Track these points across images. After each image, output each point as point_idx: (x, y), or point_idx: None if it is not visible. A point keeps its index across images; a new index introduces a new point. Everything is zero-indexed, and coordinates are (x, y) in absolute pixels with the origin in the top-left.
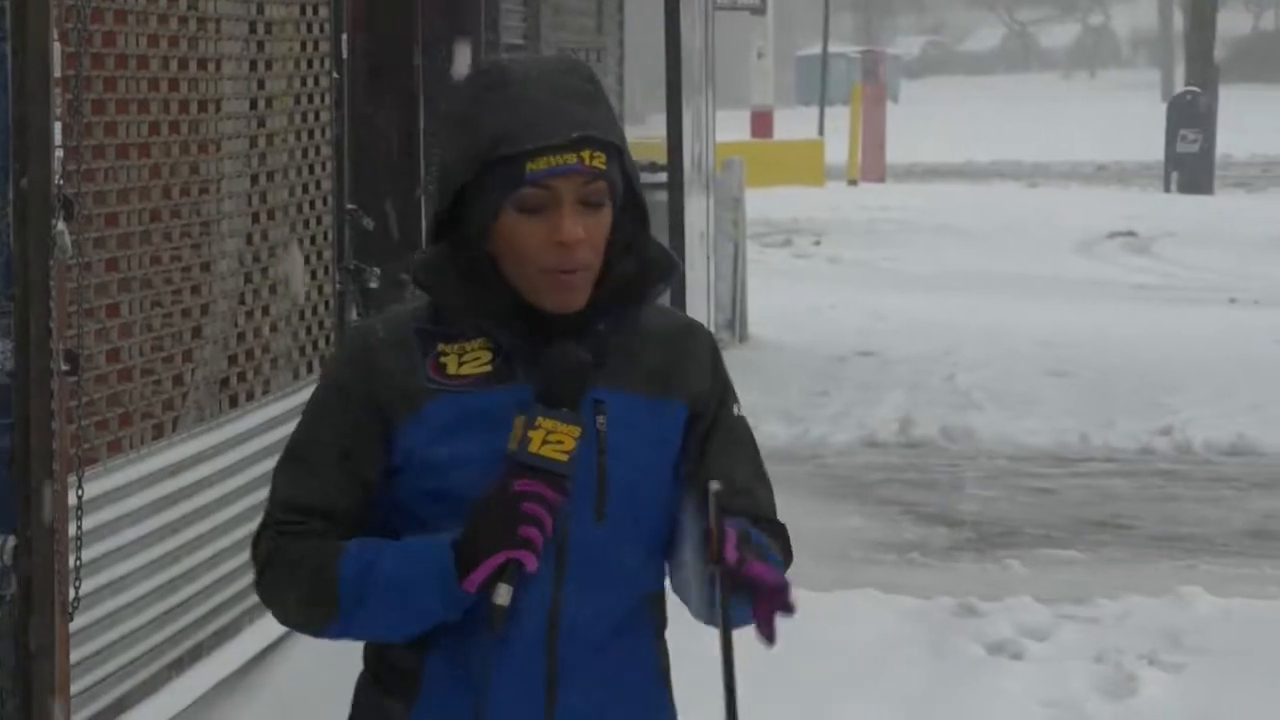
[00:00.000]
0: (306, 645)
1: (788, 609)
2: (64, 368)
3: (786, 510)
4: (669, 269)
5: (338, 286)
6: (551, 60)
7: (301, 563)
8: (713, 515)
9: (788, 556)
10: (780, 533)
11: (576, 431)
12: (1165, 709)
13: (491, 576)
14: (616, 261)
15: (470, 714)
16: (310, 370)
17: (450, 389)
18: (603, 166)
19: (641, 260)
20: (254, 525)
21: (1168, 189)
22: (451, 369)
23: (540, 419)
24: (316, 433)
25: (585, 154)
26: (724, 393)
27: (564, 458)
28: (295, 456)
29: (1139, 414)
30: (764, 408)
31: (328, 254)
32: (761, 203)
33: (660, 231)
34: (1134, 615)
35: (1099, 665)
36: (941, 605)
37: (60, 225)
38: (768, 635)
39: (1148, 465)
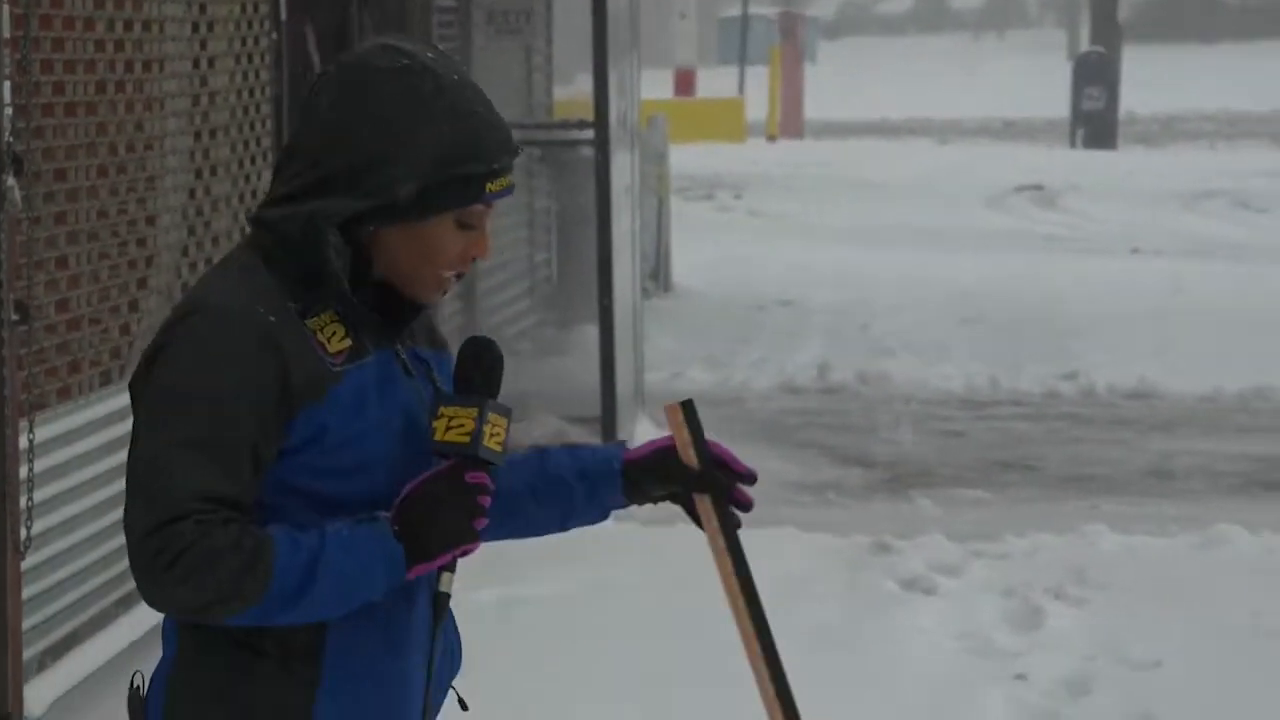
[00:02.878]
0: None
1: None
2: (14, 317)
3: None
4: None
5: None
6: (451, 59)
7: (227, 551)
8: (691, 438)
9: None
10: None
11: (508, 421)
12: (1070, 640)
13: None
14: None
15: (384, 682)
16: None
17: (343, 367)
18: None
19: None
20: None
21: (1073, 145)
22: (330, 346)
23: (491, 414)
24: (225, 423)
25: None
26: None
27: (501, 449)
28: (201, 444)
29: (1045, 359)
30: (688, 355)
31: None
32: (684, 158)
33: (587, 186)
34: (1040, 552)
35: (1007, 599)
36: (857, 543)
37: (10, 180)
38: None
39: (1053, 409)
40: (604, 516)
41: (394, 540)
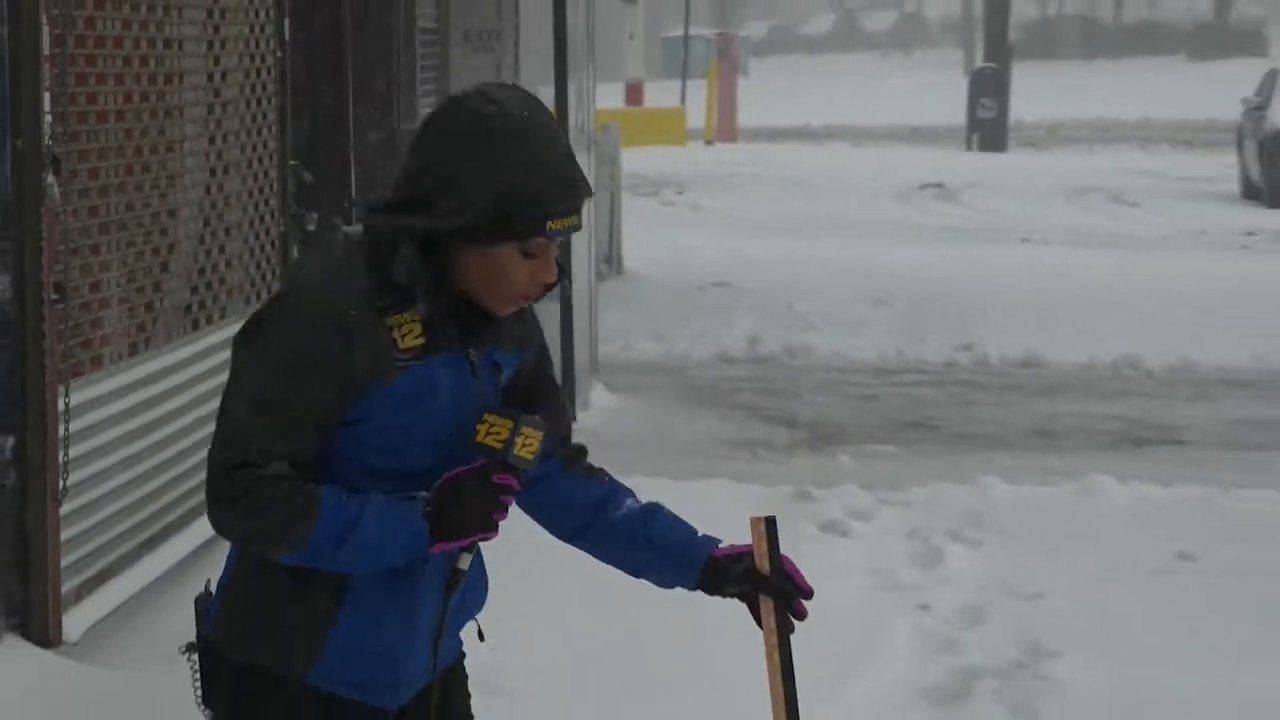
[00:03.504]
0: None
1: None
2: (54, 297)
3: (658, 415)
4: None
5: (282, 229)
6: (540, 107)
7: (281, 502)
8: (768, 550)
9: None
10: (587, 454)
11: (541, 435)
12: (966, 576)
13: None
14: None
15: (396, 614)
16: (259, 298)
17: (408, 362)
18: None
19: None
20: (214, 425)
21: (969, 148)
22: (402, 343)
23: (525, 428)
24: (294, 393)
25: (582, 214)
26: (543, 339)
27: (532, 458)
28: (272, 409)
29: (945, 333)
30: (636, 329)
31: (274, 202)
32: (634, 160)
33: None
34: (941, 500)
35: (912, 541)
36: (783, 492)
37: (50, 178)
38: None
39: (952, 376)
40: (670, 588)
41: (423, 520)
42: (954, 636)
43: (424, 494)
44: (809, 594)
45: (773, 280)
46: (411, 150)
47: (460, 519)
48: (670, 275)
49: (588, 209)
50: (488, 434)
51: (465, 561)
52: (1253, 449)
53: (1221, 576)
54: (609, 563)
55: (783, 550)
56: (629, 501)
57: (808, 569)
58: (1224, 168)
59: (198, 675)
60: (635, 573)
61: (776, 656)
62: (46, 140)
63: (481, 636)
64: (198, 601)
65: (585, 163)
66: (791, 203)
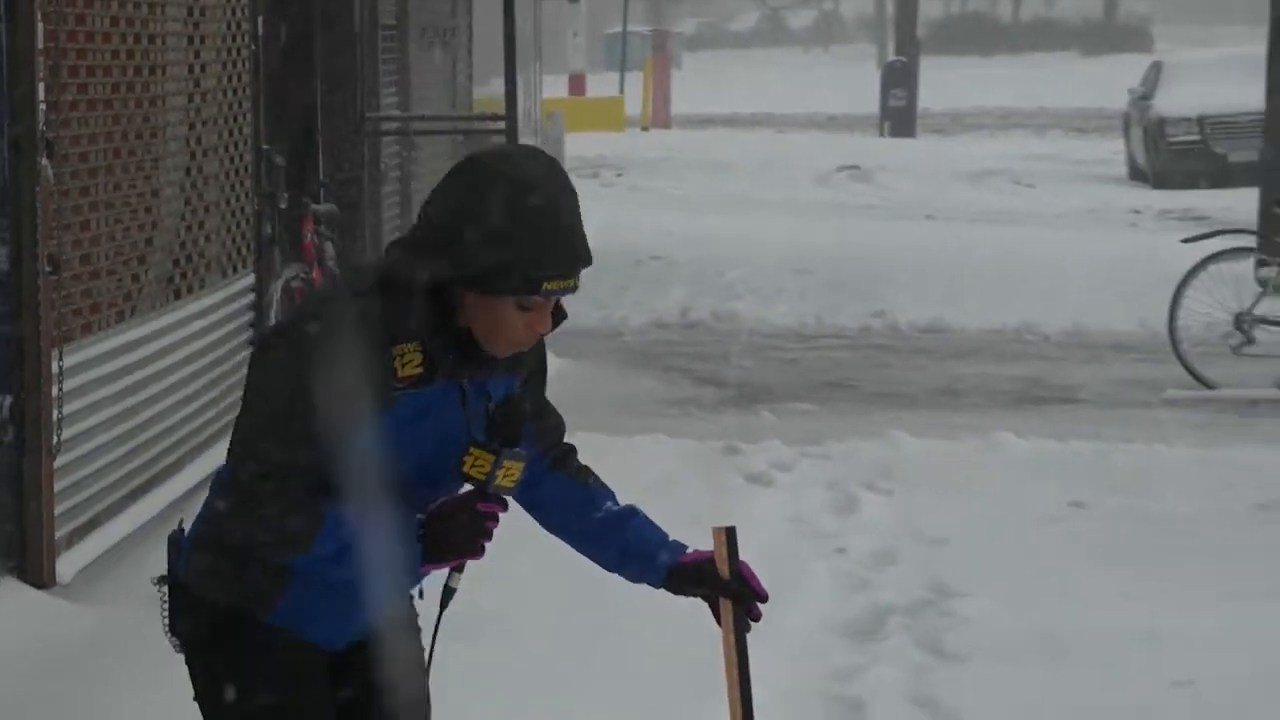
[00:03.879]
0: None
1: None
2: (47, 269)
3: (598, 376)
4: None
5: (256, 207)
6: (556, 175)
7: (291, 514)
8: (728, 556)
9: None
10: (576, 454)
11: (521, 466)
12: (878, 522)
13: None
14: None
15: (343, 593)
16: (235, 270)
17: (405, 390)
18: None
19: None
20: (194, 385)
21: (882, 134)
22: (401, 371)
23: (506, 461)
24: (304, 414)
25: (578, 278)
26: (544, 359)
27: (513, 485)
28: (283, 427)
29: (860, 302)
30: (579, 297)
31: (248, 183)
32: (576, 144)
33: None
34: (856, 453)
35: (829, 490)
36: (712, 446)
37: (44, 161)
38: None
39: (866, 340)
40: (637, 584)
41: (418, 543)
42: (867, 577)
43: (419, 516)
44: (764, 598)
45: (703, 253)
46: (435, 196)
47: (449, 545)
48: (609, 249)
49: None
50: (473, 465)
51: (456, 580)
52: (1139, 406)
53: (1109, 523)
54: (585, 555)
55: (710, 499)
56: (608, 504)
57: (735, 516)
58: (1112, 153)
59: (166, 606)
60: (608, 568)
61: (734, 655)
62: (41, 127)
63: (420, 594)
64: (171, 539)
65: (533, 144)
66: (720, 184)
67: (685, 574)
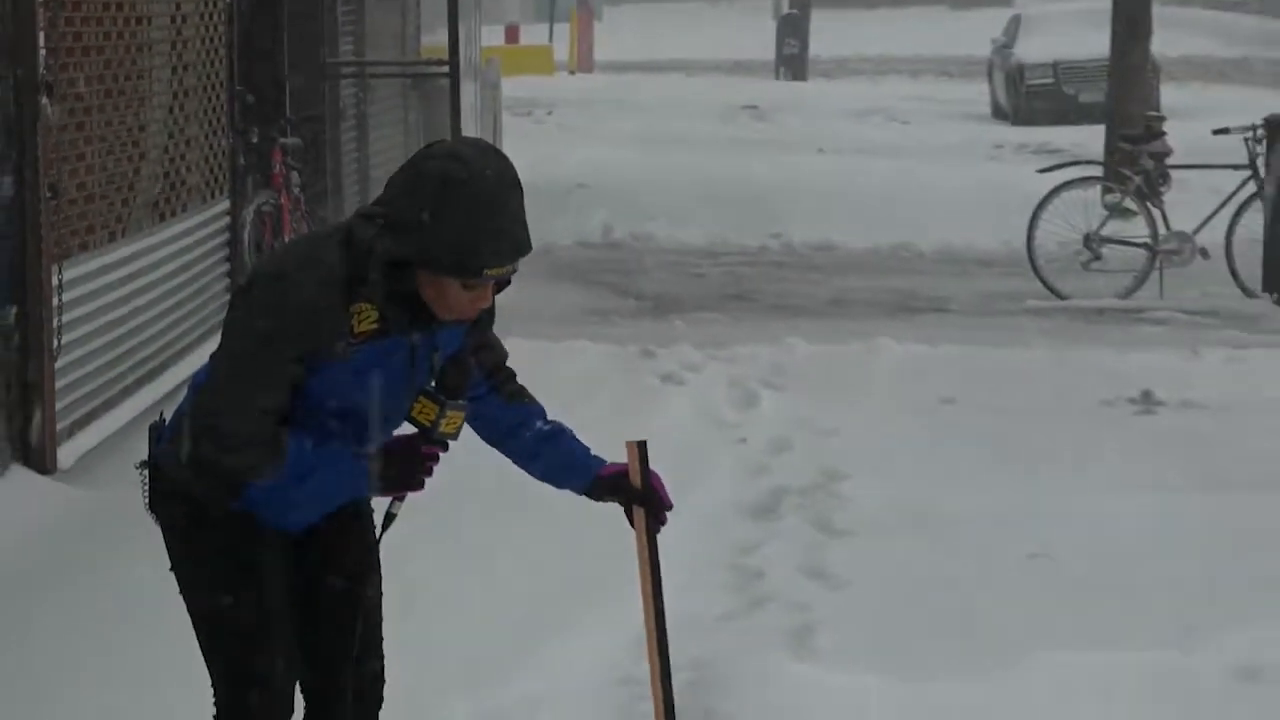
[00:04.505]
0: None
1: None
2: (48, 194)
3: (531, 289)
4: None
5: (230, 141)
6: (503, 169)
7: (259, 446)
8: (640, 468)
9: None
10: (515, 378)
11: (463, 416)
12: (775, 416)
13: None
14: None
15: (298, 507)
16: (213, 196)
17: (360, 345)
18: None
19: None
20: (177, 296)
21: (778, 78)
22: (358, 327)
23: (449, 411)
24: (272, 358)
25: (518, 263)
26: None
27: (454, 432)
28: (252, 369)
29: (760, 224)
30: None
31: (223, 120)
32: (511, 86)
33: (444, 106)
34: (756, 356)
35: (732, 388)
36: (631, 350)
37: (44, 100)
38: (662, 522)
39: (765, 258)
40: (562, 490)
41: (366, 475)
42: (765, 463)
43: (368, 451)
44: (669, 506)
45: (622, 182)
46: (396, 182)
47: (394, 479)
48: (541, 179)
49: (476, 125)
50: (419, 412)
51: (398, 508)
52: (1001, 315)
53: (976, 415)
54: (519, 466)
55: (630, 397)
56: (539, 424)
57: (650, 409)
58: (977, 94)
59: (146, 487)
60: (537, 478)
61: (645, 553)
62: (42, 70)
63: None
64: (151, 429)
65: (473, 89)
66: (638, 121)
67: (604, 484)
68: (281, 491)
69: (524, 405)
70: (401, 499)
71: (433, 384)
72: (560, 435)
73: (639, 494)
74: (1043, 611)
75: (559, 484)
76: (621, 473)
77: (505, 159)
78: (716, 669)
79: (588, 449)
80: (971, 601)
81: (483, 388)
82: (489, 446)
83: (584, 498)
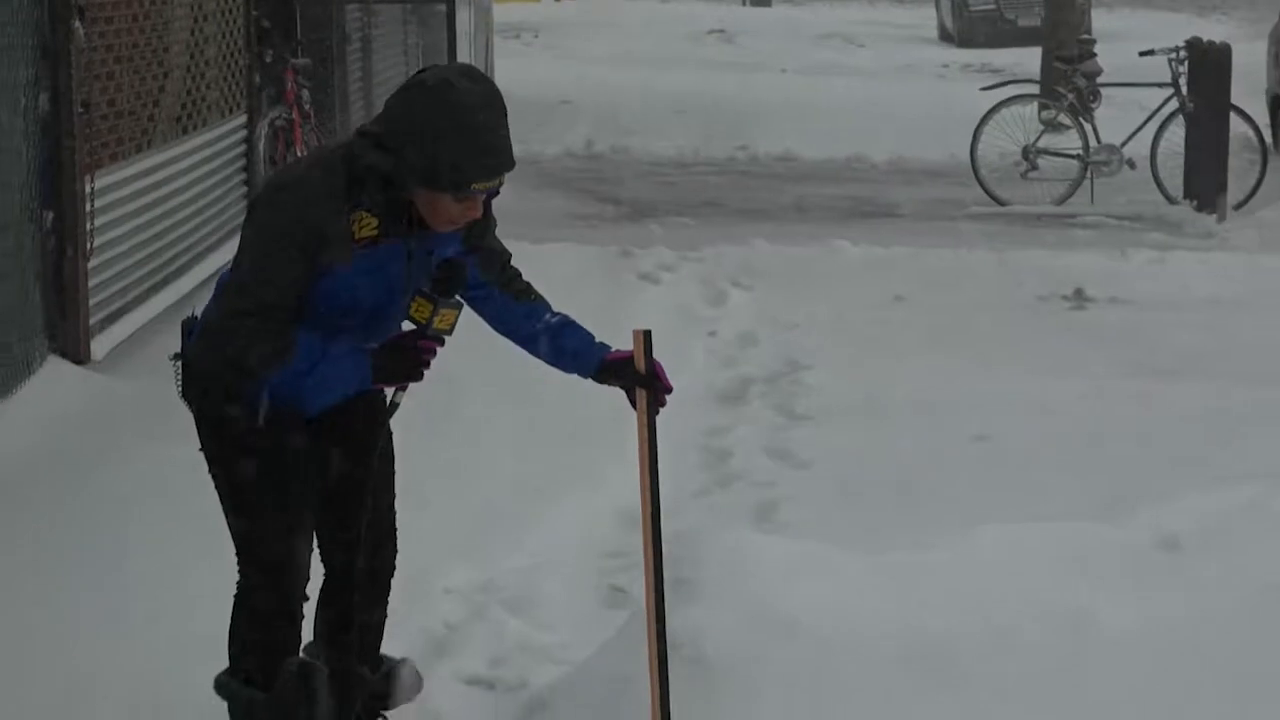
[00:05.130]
0: None
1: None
2: (80, 110)
3: (520, 196)
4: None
5: (246, 61)
6: (490, 92)
7: (270, 340)
8: (643, 355)
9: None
10: (520, 276)
11: (457, 312)
12: (743, 311)
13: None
14: None
15: (312, 394)
16: (231, 112)
17: (361, 249)
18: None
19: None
20: (199, 203)
21: (744, 4)
22: (359, 234)
23: (442, 309)
24: (282, 261)
25: (503, 178)
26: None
27: (448, 328)
28: (268, 276)
29: (727, 136)
30: None
31: (240, 41)
32: (501, 12)
33: (442, 30)
34: (724, 257)
35: (703, 285)
36: (611, 251)
37: (77, 24)
38: (662, 405)
39: (732, 168)
40: (570, 375)
41: (368, 367)
42: (734, 354)
43: (372, 346)
44: (669, 390)
45: (603, 99)
46: (392, 103)
47: (393, 371)
48: (529, 95)
49: (470, 48)
50: (416, 310)
51: (400, 397)
52: (947, 220)
53: (924, 312)
54: (530, 354)
55: (611, 293)
56: (547, 315)
57: (630, 305)
58: (926, 19)
59: (179, 377)
60: (548, 363)
61: (645, 432)
62: None
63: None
64: (183, 325)
65: (468, 14)
66: (616, 43)
67: (610, 368)
68: (294, 383)
69: (530, 301)
70: (404, 389)
71: (428, 285)
72: (568, 325)
73: (642, 378)
74: (986, 487)
75: (567, 369)
76: (626, 358)
77: (491, 83)
78: (690, 540)
79: (593, 337)
80: (922, 479)
81: (492, 287)
82: (489, 348)
83: (583, 386)
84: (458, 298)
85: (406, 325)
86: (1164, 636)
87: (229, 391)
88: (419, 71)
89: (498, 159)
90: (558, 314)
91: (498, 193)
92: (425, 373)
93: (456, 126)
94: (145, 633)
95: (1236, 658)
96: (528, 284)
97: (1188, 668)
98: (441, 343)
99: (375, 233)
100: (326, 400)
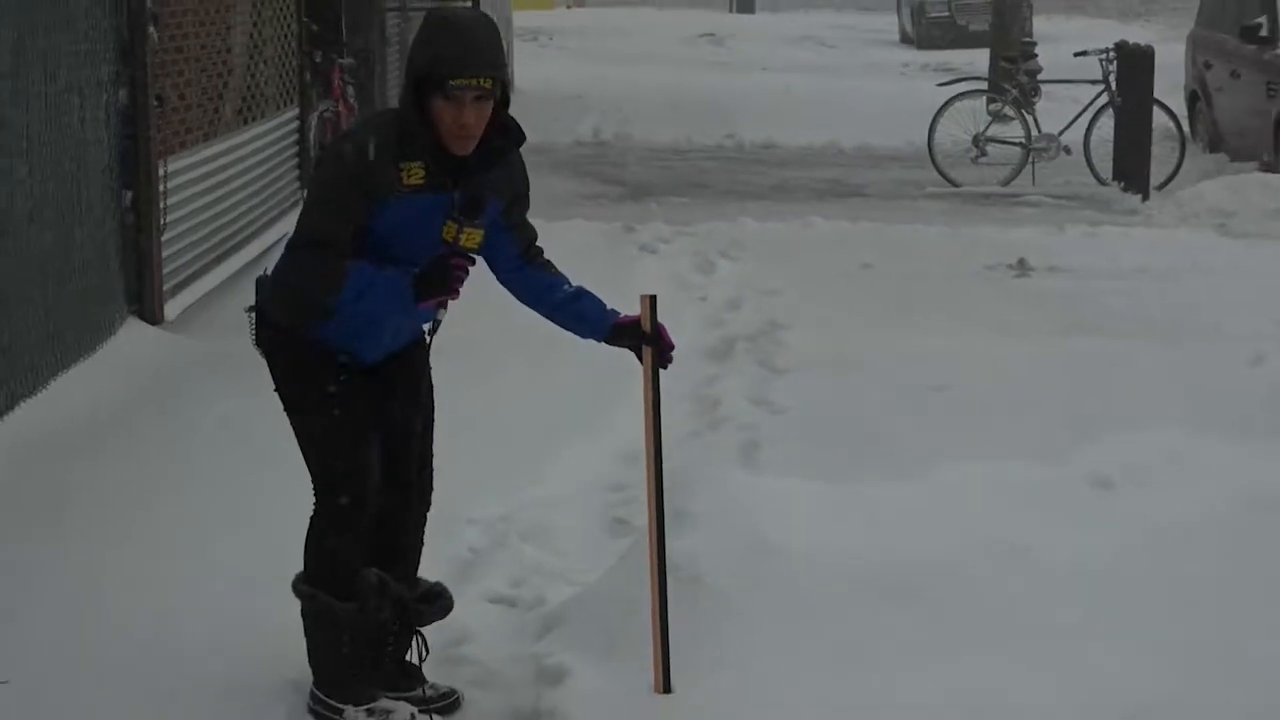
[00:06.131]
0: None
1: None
2: (155, 103)
3: (536, 180)
4: (517, 137)
5: (298, 61)
6: (480, 15)
7: (328, 269)
8: (650, 317)
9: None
10: (544, 253)
11: (481, 233)
12: (730, 279)
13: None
14: (492, 133)
15: (370, 327)
16: (285, 105)
17: (408, 193)
18: (489, 86)
19: (502, 129)
20: (257, 185)
21: (731, 11)
22: (406, 180)
23: (467, 228)
24: (341, 199)
25: (482, 79)
26: (525, 189)
27: (475, 246)
28: (329, 209)
29: (717, 126)
30: (523, 124)
31: (293, 43)
32: (520, 19)
33: None
34: (714, 232)
35: (695, 257)
36: (615, 227)
37: (152, 29)
38: (665, 364)
39: (721, 154)
40: (584, 338)
41: (410, 287)
42: (721, 317)
43: (414, 270)
44: (672, 346)
45: (608, 93)
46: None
47: (432, 286)
48: (544, 91)
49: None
50: (445, 232)
51: (442, 314)
52: (907, 199)
53: (888, 279)
54: (551, 321)
55: (615, 262)
56: (565, 287)
57: (631, 273)
58: (888, 24)
59: (253, 327)
60: (565, 328)
61: (649, 387)
62: (149, 4)
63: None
64: (258, 280)
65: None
66: (620, 45)
67: (620, 331)
68: (350, 324)
69: (551, 274)
70: (444, 305)
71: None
72: (583, 295)
73: (648, 336)
74: (941, 431)
75: (583, 334)
76: (634, 321)
77: (488, 15)
78: (683, 476)
79: (604, 304)
80: (886, 423)
81: (519, 261)
82: (507, 315)
83: (591, 349)
84: (479, 220)
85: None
86: (1095, 563)
87: (298, 317)
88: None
89: (474, 57)
90: (574, 286)
91: (489, 103)
92: (459, 290)
93: (445, 34)
94: (223, 553)
95: (1158, 582)
96: (548, 260)
97: (1116, 591)
98: (472, 261)
99: (421, 181)
100: (378, 335)
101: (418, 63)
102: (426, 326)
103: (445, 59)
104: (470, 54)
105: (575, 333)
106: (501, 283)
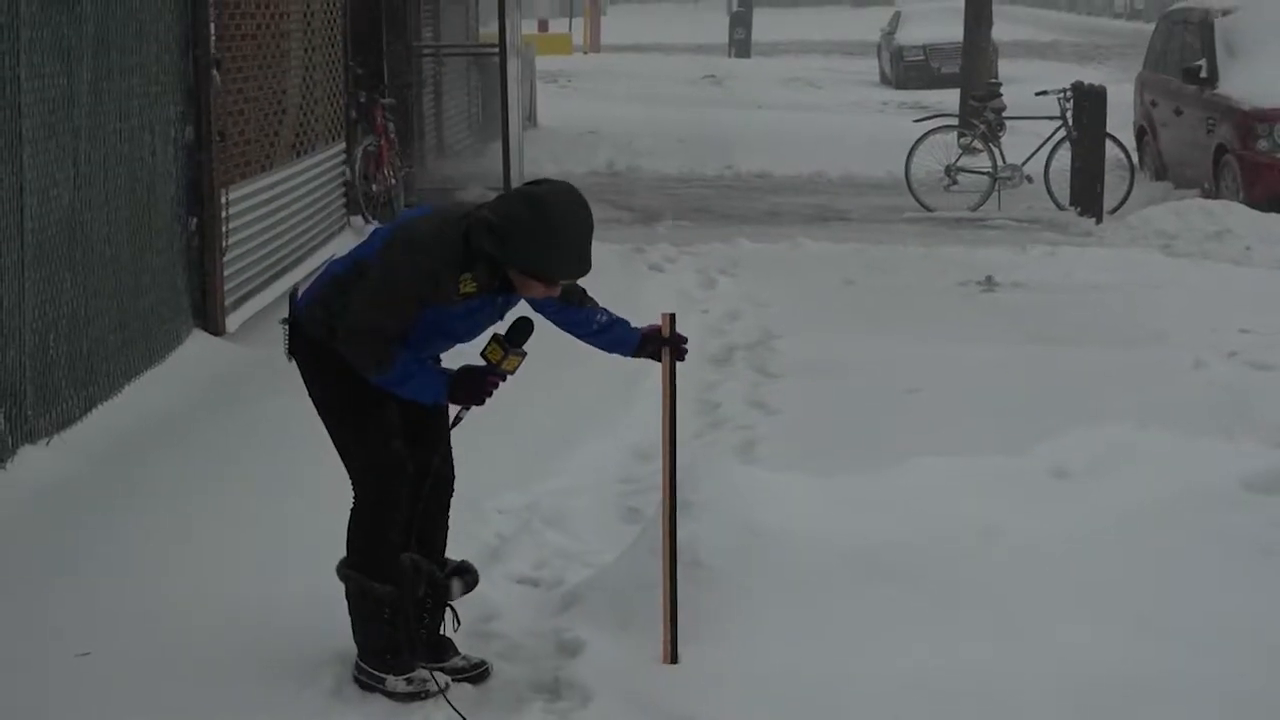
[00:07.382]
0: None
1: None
2: (218, 139)
3: None
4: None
5: (344, 101)
6: (579, 206)
7: (382, 353)
8: (671, 330)
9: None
10: (585, 292)
11: (521, 359)
12: (729, 294)
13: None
14: None
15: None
16: (333, 140)
17: (462, 299)
18: None
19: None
20: (309, 210)
21: (730, 56)
22: (463, 289)
23: (511, 355)
24: (402, 303)
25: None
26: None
27: (513, 370)
28: (390, 310)
29: (717, 158)
30: (544, 157)
31: (340, 85)
32: (543, 63)
33: (495, 76)
34: (714, 253)
35: (698, 274)
36: (627, 248)
37: (215, 73)
38: (681, 356)
39: (720, 183)
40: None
41: (445, 386)
42: (722, 327)
43: (451, 370)
44: (685, 340)
45: (621, 129)
46: (506, 201)
47: (464, 394)
48: (563, 127)
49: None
50: (490, 352)
51: (465, 414)
52: (886, 222)
53: (870, 294)
54: (587, 344)
55: (626, 280)
56: (600, 317)
57: (640, 290)
58: (869, 67)
59: (287, 338)
60: (600, 349)
61: (667, 385)
62: (213, 50)
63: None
64: (290, 294)
65: (516, 65)
66: (631, 85)
67: (644, 342)
68: (385, 384)
69: (588, 308)
70: (468, 409)
71: (504, 333)
72: (615, 323)
73: (666, 339)
74: (918, 428)
75: (613, 351)
76: (654, 332)
77: (585, 202)
78: (688, 470)
79: (629, 324)
80: (868, 422)
81: (563, 304)
82: (540, 324)
83: (606, 358)
84: (524, 348)
85: (478, 361)
86: (1056, 545)
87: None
88: (534, 182)
89: (582, 266)
90: (606, 316)
91: (578, 296)
92: (488, 400)
93: (558, 241)
94: (270, 538)
95: (1115, 560)
96: (589, 296)
97: (1075, 569)
98: (505, 379)
99: (474, 290)
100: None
101: (528, 262)
102: (452, 413)
103: (562, 270)
104: (583, 264)
105: (607, 351)
106: (545, 316)
